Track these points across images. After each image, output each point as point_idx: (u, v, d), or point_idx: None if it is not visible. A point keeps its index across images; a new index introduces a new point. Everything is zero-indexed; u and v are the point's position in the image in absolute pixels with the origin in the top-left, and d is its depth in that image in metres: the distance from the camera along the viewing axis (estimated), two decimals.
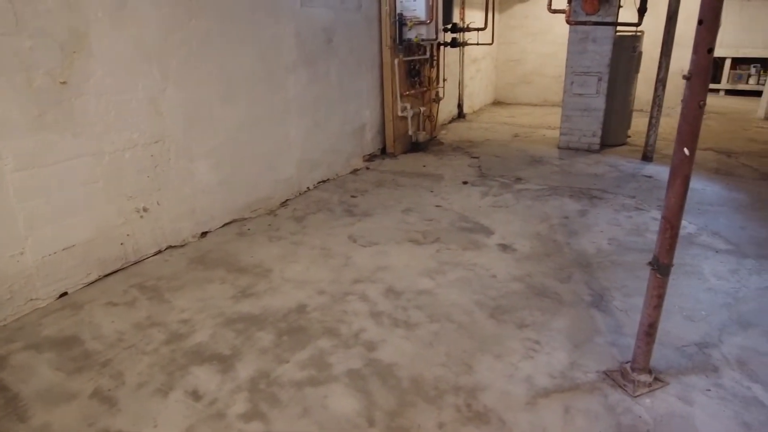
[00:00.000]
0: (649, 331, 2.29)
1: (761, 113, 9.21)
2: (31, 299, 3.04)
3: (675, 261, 2.18)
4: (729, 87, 11.84)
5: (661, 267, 2.17)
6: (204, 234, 4.16)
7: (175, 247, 3.92)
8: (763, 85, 10.01)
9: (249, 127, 4.49)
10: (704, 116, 1.99)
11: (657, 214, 4.47)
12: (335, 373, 2.47)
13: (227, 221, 4.40)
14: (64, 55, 3.01)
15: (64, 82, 3.02)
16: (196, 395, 2.34)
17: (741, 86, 11.75)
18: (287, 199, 5.07)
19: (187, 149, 3.91)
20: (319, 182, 5.60)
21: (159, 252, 3.81)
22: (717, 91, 11.79)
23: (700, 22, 1.86)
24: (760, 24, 11.15)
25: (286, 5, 4.71)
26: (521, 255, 3.75)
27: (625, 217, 4.46)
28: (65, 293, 3.22)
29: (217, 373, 2.49)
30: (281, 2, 4.64)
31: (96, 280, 3.39)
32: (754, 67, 11.54)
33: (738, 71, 11.72)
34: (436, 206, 4.82)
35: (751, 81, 11.63)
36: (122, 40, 3.33)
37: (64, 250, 3.18)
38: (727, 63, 11.64)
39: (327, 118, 5.58)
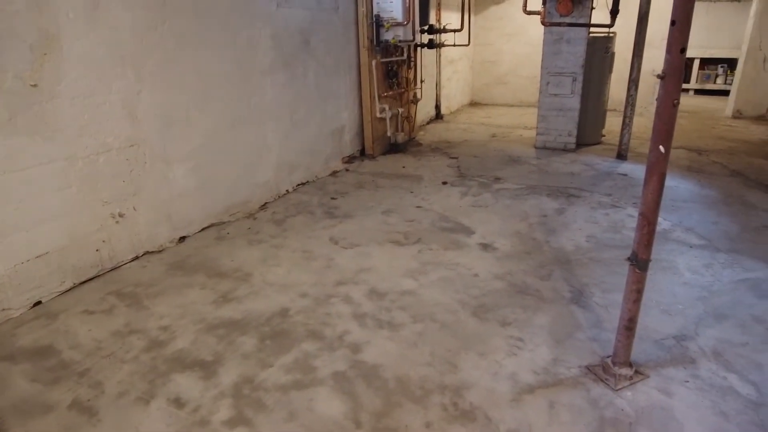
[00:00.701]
0: (628, 326, 2.34)
1: (728, 112, 9.51)
2: (3, 309, 2.94)
3: (651, 256, 2.23)
4: (698, 87, 12.18)
5: (640, 262, 2.22)
6: (182, 239, 4.10)
7: (152, 252, 3.84)
8: (730, 84, 10.33)
9: (226, 130, 4.44)
10: None
11: (633, 211, 4.57)
12: (320, 376, 2.46)
13: (206, 225, 4.34)
14: (34, 56, 2.93)
15: (34, 85, 2.94)
16: (178, 403, 2.30)
17: (709, 86, 12.10)
18: (266, 202, 5.02)
19: (163, 153, 3.84)
20: (299, 185, 5.56)
21: (136, 258, 3.74)
22: (687, 90, 12.11)
23: (672, 23, 1.91)
24: (727, 25, 11.50)
25: (263, 6, 4.67)
26: (502, 254, 3.79)
27: (602, 215, 4.55)
28: (39, 302, 3.13)
29: (199, 380, 2.45)
30: (257, 3, 4.60)
31: (71, 288, 3.30)
32: (721, 67, 11.89)
33: (706, 71, 12.07)
34: (417, 207, 4.83)
35: (719, 81, 11.99)
36: (95, 42, 3.25)
37: (37, 257, 3.09)
38: (696, 63, 11.98)
39: (305, 120, 5.55)
